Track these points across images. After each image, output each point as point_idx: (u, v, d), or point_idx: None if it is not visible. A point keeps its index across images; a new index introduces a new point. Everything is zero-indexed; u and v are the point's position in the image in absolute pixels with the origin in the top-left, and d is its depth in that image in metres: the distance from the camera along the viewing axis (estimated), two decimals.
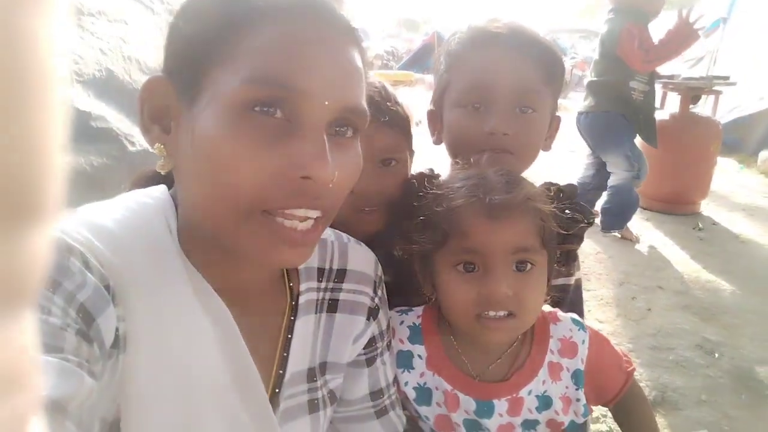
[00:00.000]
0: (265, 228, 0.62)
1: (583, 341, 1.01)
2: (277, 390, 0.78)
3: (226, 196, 0.60)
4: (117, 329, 0.59)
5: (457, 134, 1.12)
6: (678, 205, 4.52)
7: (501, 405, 0.98)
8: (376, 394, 0.94)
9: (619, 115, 3.56)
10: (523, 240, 0.90)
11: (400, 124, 1.11)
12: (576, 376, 1.00)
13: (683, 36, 3.37)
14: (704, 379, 2.36)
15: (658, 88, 3.93)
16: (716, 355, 2.54)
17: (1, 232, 0.15)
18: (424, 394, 1.01)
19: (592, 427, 1.99)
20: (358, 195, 1.04)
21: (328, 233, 0.89)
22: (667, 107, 4.53)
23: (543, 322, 1.03)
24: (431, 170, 1.07)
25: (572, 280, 1.17)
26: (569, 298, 1.17)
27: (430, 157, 1.21)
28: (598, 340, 1.04)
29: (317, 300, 0.85)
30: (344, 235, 0.92)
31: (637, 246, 3.85)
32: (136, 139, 2.51)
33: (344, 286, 0.88)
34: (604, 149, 3.70)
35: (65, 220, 0.60)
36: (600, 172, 3.84)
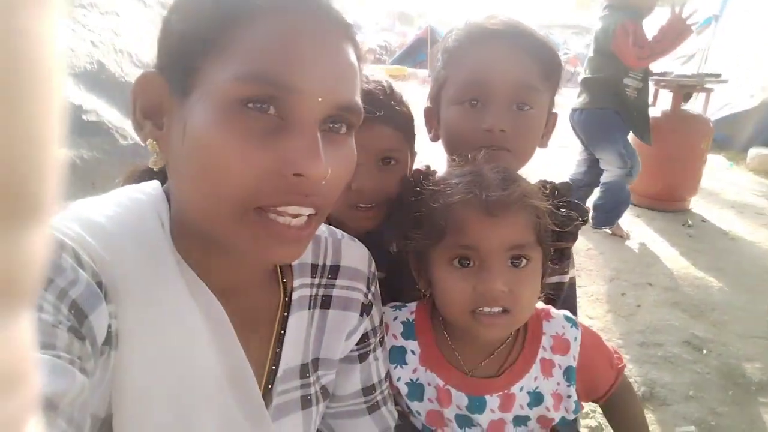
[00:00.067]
0: (258, 225, 0.62)
1: (576, 338, 1.02)
2: (269, 386, 0.78)
3: (219, 193, 0.60)
4: (109, 326, 0.59)
5: (454, 131, 1.12)
6: (668, 202, 4.55)
7: (493, 401, 0.99)
8: (368, 389, 0.94)
9: (613, 112, 3.58)
10: (518, 236, 0.91)
11: (403, 125, 1.11)
12: (567, 372, 1.01)
13: (676, 32, 3.38)
14: (692, 375, 2.38)
15: (651, 86, 3.94)
16: (704, 351, 2.57)
17: (1, 230, 0.16)
18: (417, 389, 1.02)
19: (582, 422, 2.01)
20: (355, 191, 1.05)
21: (322, 229, 0.89)
22: (658, 104, 4.56)
23: (536, 319, 1.04)
24: (428, 167, 1.08)
25: (567, 278, 1.17)
26: (563, 296, 1.17)
27: (426, 153, 1.21)
28: (590, 337, 1.05)
29: (310, 296, 0.85)
30: (338, 231, 0.92)
31: (627, 242, 3.88)
32: (128, 132, 2.50)
33: (338, 282, 0.88)
34: (597, 146, 3.71)
35: (57, 216, 0.60)
36: (592, 168, 3.85)
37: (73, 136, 2.30)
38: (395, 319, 1.05)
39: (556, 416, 1.01)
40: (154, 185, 0.72)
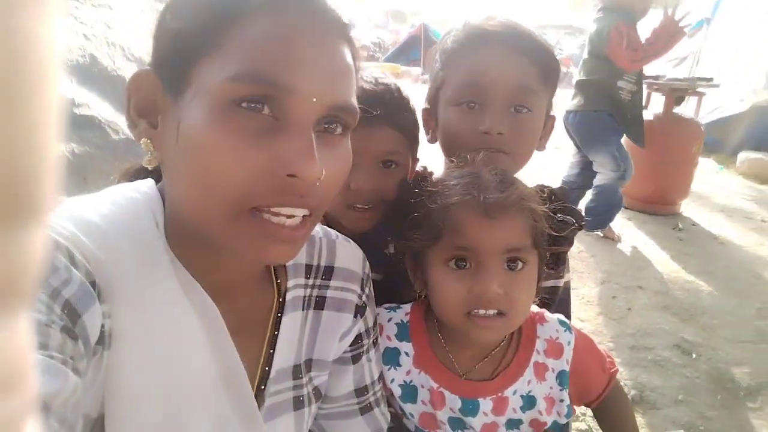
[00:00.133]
0: (252, 225, 0.62)
1: (569, 342, 1.02)
2: (262, 387, 0.78)
3: (213, 193, 0.60)
4: (102, 326, 0.58)
5: (451, 133, 1.12)
6: (659, 206, 4.58)
7: (486, 404, 0.98)
8: (360, 390, 0.94)
9: (607, 115, 3.59)
10: (515, 239, 0.91)
11: (408, 129, 1.11)
12: (561, 376, 1.01)
13: (669, 34, 3.39)
14: (682, 379, 2.40)
15: (644, 89, 3.96)
16: (694, 355, 2.59)
17: (0, 230, 0.16)
18: (410, 391, 1.01)
19: (572, 425, 2.01)
20: (353, 191, 1.04)
21: (317, 230, 0.88)
22: (651, 107, 4.58)
23: (530, 322, 1.04)
24: (425, 168, 1.07)
25: (561, 282, 1.18)
26: (557, 300, 1.17)
27: (423, 155, 1.20)
28: (583, 342, 1.05)
29: (304, 297, 0.84)
30: (333, 232, 0.92)
31: (618, 245, 3.90)
32: (120, 127, 2.47)
33: (332, 283, 0.88)
34: (591, 148, 3.72)
35: (52, 215, 0.59)
36: (585, 171, 3.86)
37: (65, 130, 2.27)
38: (390, 320, 1.04)
39: (548, 420, 1.01)
40: (149, 184, 0.71)
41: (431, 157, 1.21)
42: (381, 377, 0.99)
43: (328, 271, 0.87)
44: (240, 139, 0.58)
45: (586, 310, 2.97)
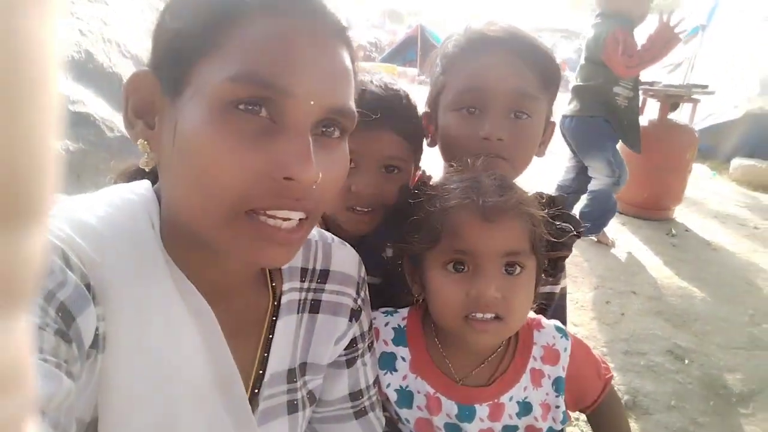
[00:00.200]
0: (249, 227, 0.61)
1: (566, 349, 1.02)
2: (256, 390, 0.78)
3: (209, 195, 0.59)
4: (97, 329, 0.58)
5: (451, 138, 1.12)
6: (653, 211, 4.60)
7: (482, 410, 0.98)
8: (355, 395, 0.93)
9: (603, 121, 3.60)
10: (513, 243, 0.91)
11: (413, 137, 1.11)
12: (557, 383, 1.01)
13: (664, 41, 3.41)
14: (674, 385, 2.40)
15: (639, 95, 3.98)
16: (686, 361, 2.59)
17: (1, 230, 0.16)
18: (406, 396, 1.01)
19: (566, 430, 2.01)
20: (354, 193, 1.04)
21: (313, 233, 0.88)
22: (646, 113, 4.60)
23: (527, 329, 1.04)
24: (423, 172, 1.07)
25: (558, 288, 1.18)
26: (554, 306, 1.17)
27: (423, 159, 1.20)
28: (579, 348, 1.05)
29: (300, 300, 0.84)
30: (328, 235, 0.91)
31: (612, 250, 3.91)
32: (115, 124, 2.46)
33: (327, 286, 0.87)
34: (586, 153, 3.73)
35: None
36: (580, 176, 3.88)
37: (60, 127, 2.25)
38: (387, 324, 1.04)
39: (544, 426, 1.01)
40: (145, 185, 0.71)
41: (430, 162, 1.20)
42: (376, 381, 0.99)
43: (324, 275, 0.87)
44: (237, 141, 0.58)
45: (580, 314, 2.98)
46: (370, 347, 0.97)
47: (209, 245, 0.64)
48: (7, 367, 0.17)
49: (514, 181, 1.01)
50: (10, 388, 0.17)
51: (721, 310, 3.12)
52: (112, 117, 2.48)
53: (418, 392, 1.00)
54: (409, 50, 14.96)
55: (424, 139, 1.18)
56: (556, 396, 1.01)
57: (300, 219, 0.64)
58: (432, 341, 1.03)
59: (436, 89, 1.15)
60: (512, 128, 1.07)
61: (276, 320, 0.80)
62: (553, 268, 1.02)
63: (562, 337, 1.04)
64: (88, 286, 0.57)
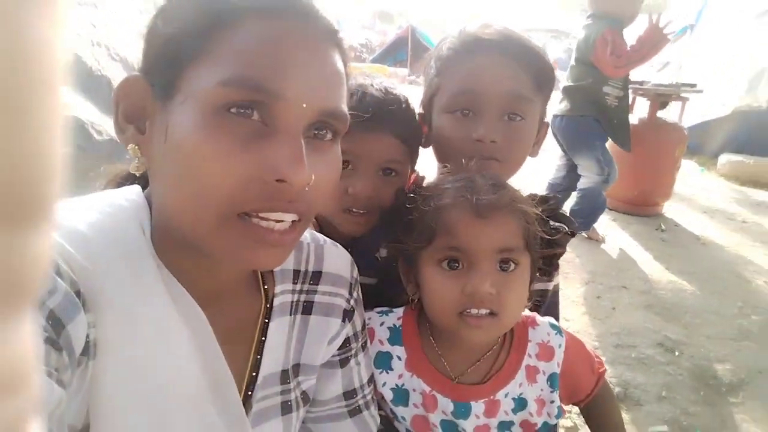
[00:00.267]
0: (241, 230, 0.61)
1: (560, 345, 1.03)
2: (249, 392, 0.78)
3: (201, 198, 0.59)
4: (87, 336, 0.57)
5: (444, 140, 1.13)
6: (643, 207, 4.64)
7: (478, 407, 0.99)
8: (349, 394, 0.94)
9: (593, 120, 3.63)
10: (507, 240, 0.91)
11: (411, 141, 1.12)
12: (551, 379, 1.02)
13: (653, 41, 3.44)
14: (665, 376, 2.43)
15: (629, 94, 4.01)
16: (677, 353, 2.62)
17: (5, 232, 0.16)
18: (402, 395, 1.02)
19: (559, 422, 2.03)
20: (351, 195, 1.05)
21: (305, 235, 0.88)
22: (635, 112, 4.64)
23: (522, 326, 1.05)
24: (417, 173, 1.08)
25: (551, 285, 1.19)
26: (547, 302, 1.18)
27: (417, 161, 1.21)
28: (573, 344, 1.06)
29: (292, 302, 0.84)
30: (320, 237, 0.91)
31: (603, 246, 3.94)
32: (104, 128, 2.44)
33: (319, 288, 0.87)
34: (576, 152, 3.76)
35: None
36: (571, 173, 3.91)
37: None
38: (382, 324, 1.05)
39: (539, 421, 1.02)
40: (136, 191, 0.70)
41: (424, 163, 1.21)
42: (371, 380, 0.99)
43: (316, 276, 0.87)
44: (229, 144, 0.58)
45: (572, 309, 3.00)
46: (364, 347, 0.98)
47: (201, 249, 0.64)
48: (11, 367, 0.17)
49: (507, 181, 1.02)
50: (15, 388, 0.17)
51: (711, 302, 3.15)
52: (100, 120, 2.46)
53: (414, 390, 1.01)
54: (400, 51, 14.95)
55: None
56: (551, 391, 1.02)
57: (293, 221, 0.64)
58: (427, 340, 1.03)
59: (431, 91, 1.15)
60: (506, 130, 1.07)
61: (269, 322, 0.80)
62: (548, 266, 1.03)
63: (556, 333, 1.05)
64: (78, 293, 0.56)
